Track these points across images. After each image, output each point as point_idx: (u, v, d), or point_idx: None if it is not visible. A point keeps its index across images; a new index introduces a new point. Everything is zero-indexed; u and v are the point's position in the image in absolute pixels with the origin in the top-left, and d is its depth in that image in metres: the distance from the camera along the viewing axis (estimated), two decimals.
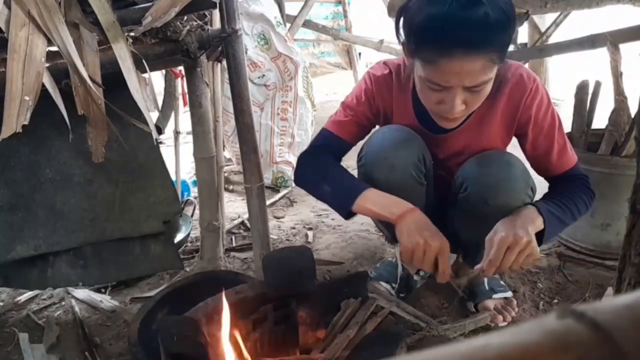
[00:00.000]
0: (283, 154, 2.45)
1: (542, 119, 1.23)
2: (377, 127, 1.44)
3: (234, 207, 2.24)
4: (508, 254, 1.08)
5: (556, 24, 2.61)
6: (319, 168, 1.27)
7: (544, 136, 1.25)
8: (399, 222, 1.12)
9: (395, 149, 1.24)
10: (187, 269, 1.65)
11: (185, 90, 1.51)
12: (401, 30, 1.10)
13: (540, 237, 1.14)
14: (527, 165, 1.28)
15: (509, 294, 1.46)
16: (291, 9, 3.53)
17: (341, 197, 1.20)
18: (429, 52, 1.05)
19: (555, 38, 2.68)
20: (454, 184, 1.30)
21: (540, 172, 1.30)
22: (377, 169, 1.25)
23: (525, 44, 3.14)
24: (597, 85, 1.77)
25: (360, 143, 1.36)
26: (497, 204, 1.19)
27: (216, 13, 1.41)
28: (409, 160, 1.24)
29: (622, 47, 1.76)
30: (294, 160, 2.43)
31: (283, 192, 2.40)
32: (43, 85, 1.08)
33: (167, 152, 1.76)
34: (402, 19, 1.10)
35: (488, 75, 1.06)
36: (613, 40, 1.77)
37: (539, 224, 1.13)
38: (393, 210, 1.13)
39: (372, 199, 1.17)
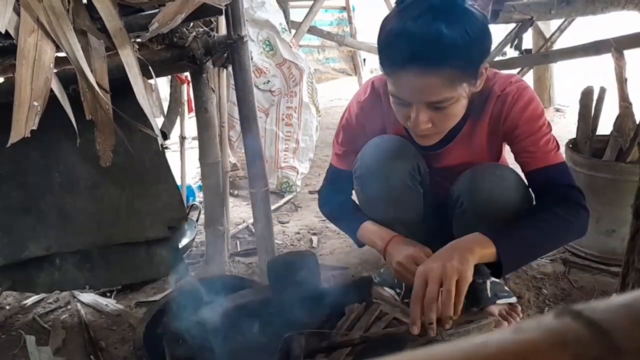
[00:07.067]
0: (288, 159, 2.46)
1: (524, 122, 1.19)
2: None
3: (239, 212, 2.25)
4: (429, 286, 0.98)
5: (561, 30, 2.61)
6: (333, 208, 1.44)
7: (527, 136, 1.18)
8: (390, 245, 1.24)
9: (389, 159, 1.24)
10: (192, 274, 1.65)
11: (191, 96, 1.52)
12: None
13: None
14: (523, 176, 1.24)
15: (514, 299, 1.45)
16: (296, 15, 3.54)
17: (349, 232, 1.39)
18: (388, 66, 1.09)
19: (559, 44, 2.69)
20: (450, 196, 1.30)
21: (524, 171, 1.22)
22: (372, 181, 1.26)
23: (530, 50, 3.14)
24: (602, 91, 1.76)
25: None
26: (494, 218, 1.18)
27: (222, 19, 1.42)
28: (403, 170, 1.25)
29: (627, 53, 1.76)
30: (298, 165, 2.44)
31: (288, 197, 2.40)
32: (51, 90, 1.09)
33: (172, 158, 1.77)
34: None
35: (450, 93, 1.05)
36: (617, 46, 1.77)
37: (485, 251, 1.05)
38: (377, 241, 1.27)
39: (363, 233, 1.31)
